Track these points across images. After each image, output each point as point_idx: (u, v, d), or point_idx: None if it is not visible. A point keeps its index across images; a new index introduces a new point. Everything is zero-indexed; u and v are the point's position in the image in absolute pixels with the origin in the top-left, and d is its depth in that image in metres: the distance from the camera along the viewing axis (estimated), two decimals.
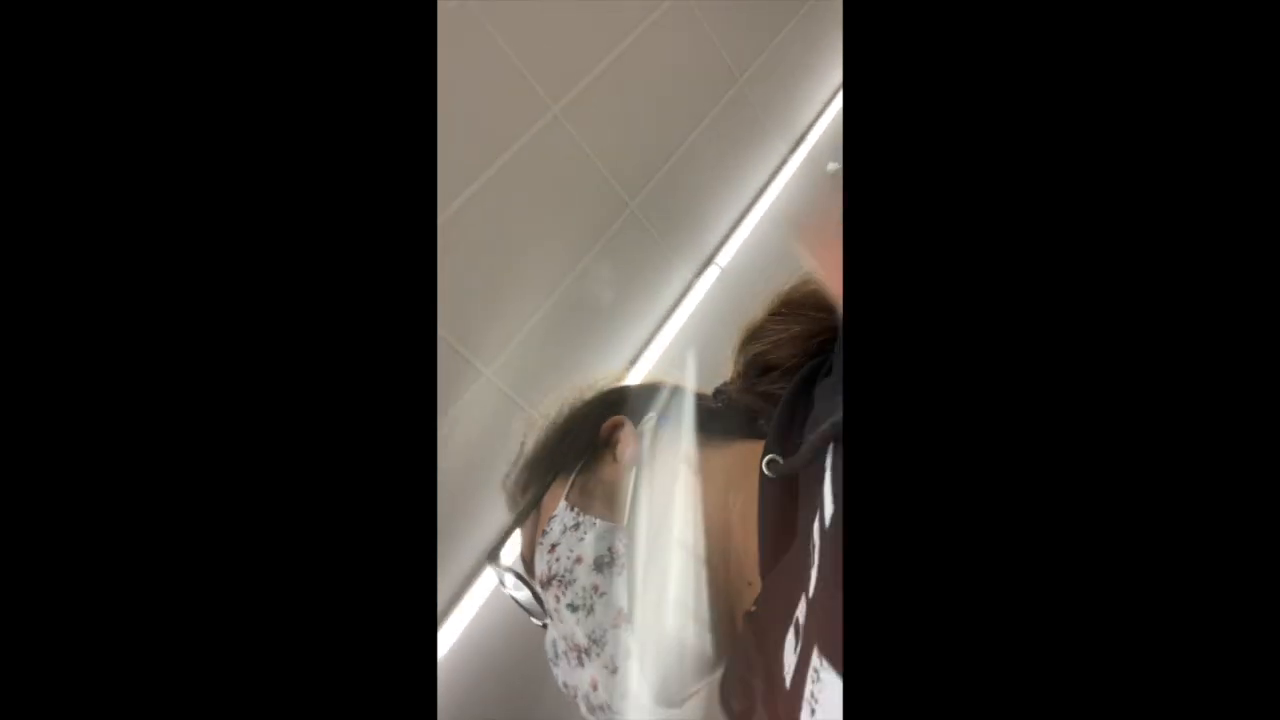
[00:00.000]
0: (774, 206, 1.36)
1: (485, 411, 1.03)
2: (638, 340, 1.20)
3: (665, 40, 1.23)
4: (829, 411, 0.30)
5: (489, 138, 1.06)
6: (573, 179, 1.14)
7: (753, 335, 0.43)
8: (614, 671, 0.36)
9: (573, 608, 0.38)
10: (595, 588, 0.38)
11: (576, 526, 0.41)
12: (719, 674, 0.35)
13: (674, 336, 1.21)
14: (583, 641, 0.38)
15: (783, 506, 0.32)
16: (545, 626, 0.43)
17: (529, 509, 0.45)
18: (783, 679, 0.26)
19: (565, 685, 0.40)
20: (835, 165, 1.42)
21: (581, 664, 0.38)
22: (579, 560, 0.39)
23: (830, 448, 0.27)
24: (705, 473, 0.40)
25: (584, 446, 0.45)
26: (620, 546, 0.38)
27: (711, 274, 1.28)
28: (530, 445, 0.49)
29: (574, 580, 0.39)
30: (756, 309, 0.43)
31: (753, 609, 0.32)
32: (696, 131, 1.28)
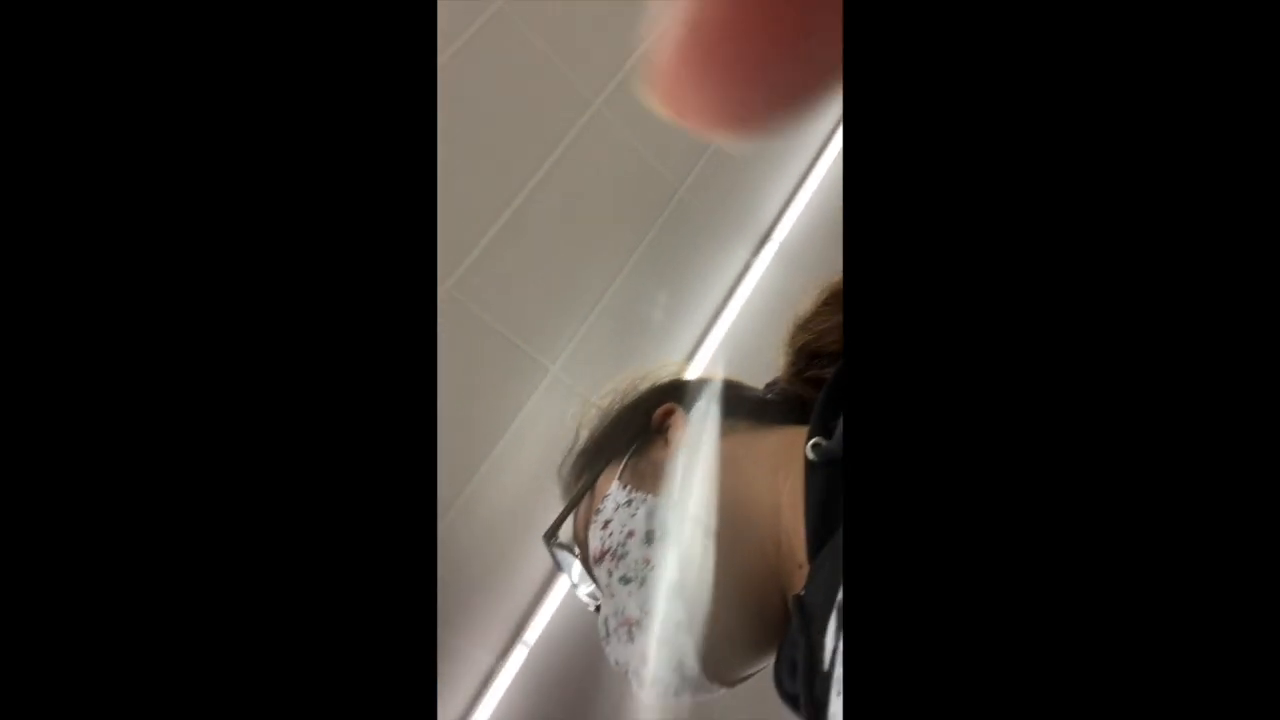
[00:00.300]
0: (829, 173, 1.32)
1: (556, 406, 1.05)
2: (699, 324, 1.20)
3: None
4: None
5: (535, 140, 1.08)
6: (619, 171, 1.14)
7: (801, 327, 0.44)
8: (664, 643, 0.37)
9: (625, 580, 0.40)
10: (646, 560, 0.39)
11: (629, 503, 0.42)
12: (773, 657, 0.35)
13: (735, 317, 1.20)
14: (635, 614, 0.39)
15: (828, 490, 0.32)
16: (598, 609, 0.44)
17: (583, 492, 0.47)
18: (822, 661, 0.26)
19: (616, 662, 0.41)
20: None
21: (632, 638, 0.39)
22: (631, 534, 0.40)
23: None
24: (754, 456, 0.40)
25: (636, 433, 0.47)
26: (671, 522, 0.39)
27: (769, 251, 1.26)
28: (585, 434, 0.51)
29: (626, 554, 0.40)
30: (805, 302, 0.44)
31: (801, 593, 0.32)
32: None
